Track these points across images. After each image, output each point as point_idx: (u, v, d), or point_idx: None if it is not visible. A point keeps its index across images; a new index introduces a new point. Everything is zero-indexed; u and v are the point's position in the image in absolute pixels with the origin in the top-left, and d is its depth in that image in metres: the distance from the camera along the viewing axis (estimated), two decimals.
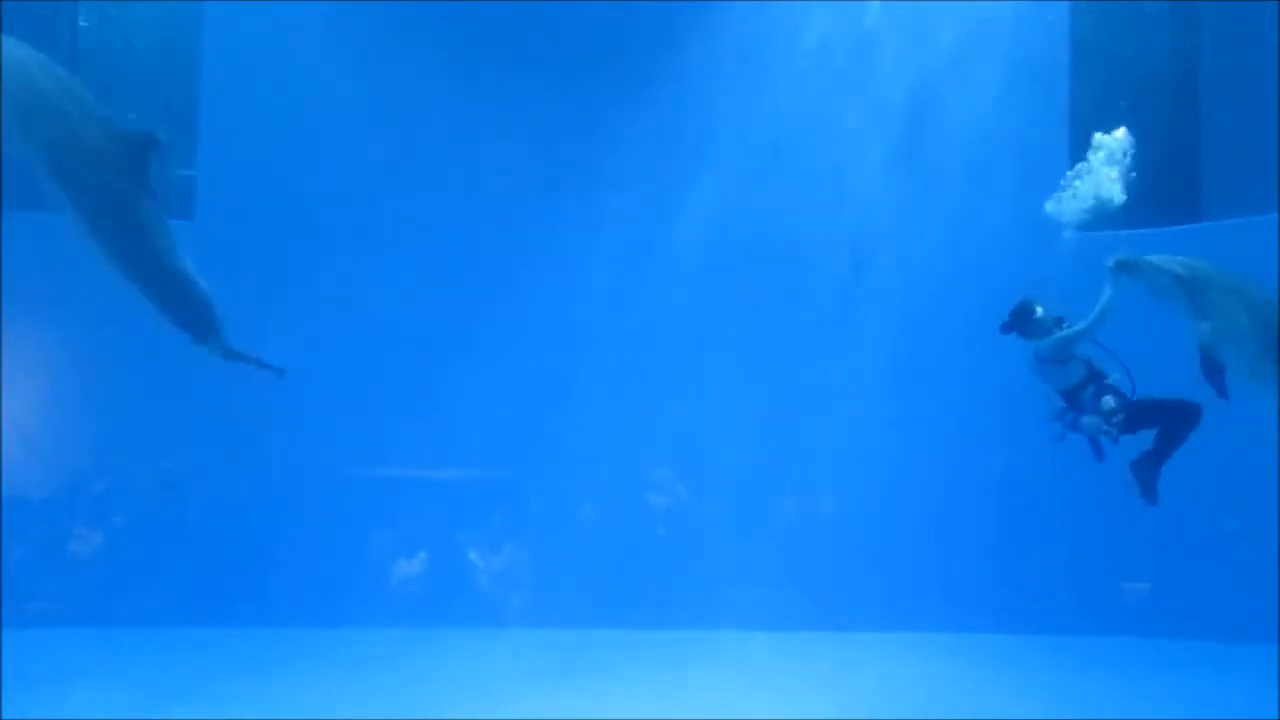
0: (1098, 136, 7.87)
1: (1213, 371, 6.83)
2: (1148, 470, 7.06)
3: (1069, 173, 8.06)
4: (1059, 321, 7.17)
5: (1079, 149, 10.73)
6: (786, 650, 9.35)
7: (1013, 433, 10.44)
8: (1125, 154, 7.67)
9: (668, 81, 10.89)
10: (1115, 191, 7.60)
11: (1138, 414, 6.90)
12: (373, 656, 8.86)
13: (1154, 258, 7.13)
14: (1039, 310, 7.21)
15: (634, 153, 10.72)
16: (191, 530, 10.20)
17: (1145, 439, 7.03)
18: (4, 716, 6.47)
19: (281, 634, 9.54)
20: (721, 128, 10.95)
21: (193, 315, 6.73)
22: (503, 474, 10.72)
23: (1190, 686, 8.20)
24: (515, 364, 10.60)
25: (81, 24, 10.81)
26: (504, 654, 9.16)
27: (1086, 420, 6.88)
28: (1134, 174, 7.88)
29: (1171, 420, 6.93)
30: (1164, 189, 10.76)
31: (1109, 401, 6.75)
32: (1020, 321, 7.26)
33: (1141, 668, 8.96)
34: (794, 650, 9.34)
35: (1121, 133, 7.71)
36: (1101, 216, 7.74)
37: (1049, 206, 7.85)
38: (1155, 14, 11.63)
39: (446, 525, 10.63)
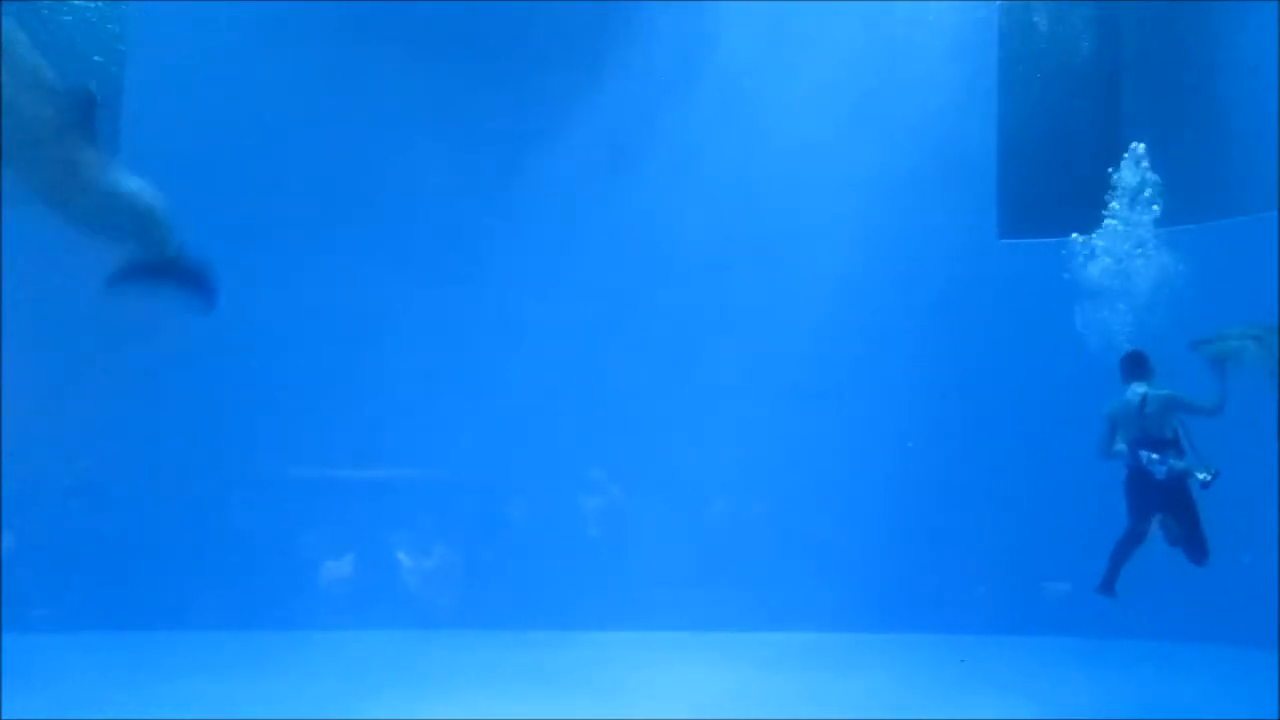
0: None
1: None
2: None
3: None
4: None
5: (1007, 150, 11.05)
6: (721, 650, 9.40)
7: (945, 432, 10.72)
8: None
9: (608, 83, 10.83)
10: None
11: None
12: (299, 659, 8.73)
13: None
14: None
15: (571, 154, 10.67)
16: (112, 534, 9.91)
17: None
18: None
19: (208, 638, 9.34)
20: (659, 131, 10.92)
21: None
22: (434, 474, 10.61)
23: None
24: (447, 363, 10.51)
25: None
26: (433, 656, 9.08)
27: (1177, 464, 7.43)
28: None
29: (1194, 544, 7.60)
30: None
31: (1209, 479, 7.32)
32: (1135, 367, 7.91)
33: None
34: (728, 650, 9.39)
35: None
36: None
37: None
38: (1084, 15, 11.82)
39: (376, 526, 10.50)
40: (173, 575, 9.94)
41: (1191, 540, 7.59)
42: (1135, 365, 8.00)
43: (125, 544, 9.92)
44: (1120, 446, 7.76)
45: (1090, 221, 10.40)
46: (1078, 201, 10.56)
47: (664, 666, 8.78)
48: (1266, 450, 8.76)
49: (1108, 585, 7.93)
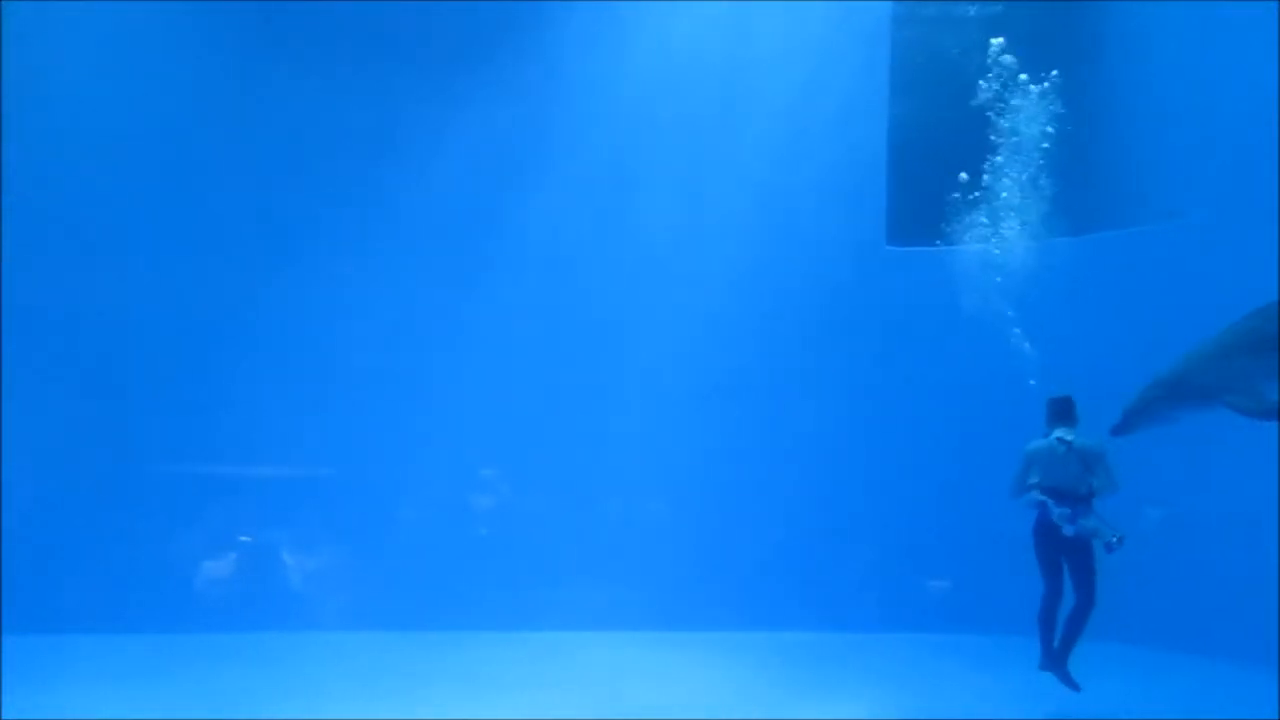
0: None
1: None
2: (1058, 665, 7.62)
3: None
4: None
5: (896, 157, 11.20)
6: (609, 649, 9.49)
7: (832, 434, 10.86)
8: None
9: (500, 83, 10.76)
10: None
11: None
12: (185, 663, 8.59)
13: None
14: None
15: (458, 153, 10.59)
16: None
17: None
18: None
19: (86, 641, 9.17)
20: (551, 132, 10.89)
21: None
22: (322, 472, 10.51)
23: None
24: (336, 361, 10.41)
25: None
26: (320, 658, 9.03)
27: (1086, 523, 7.41)
28: None
29: (1083, 594, 7.55)
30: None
31: (1115, 543, 7.32)
32: (1062, 413, 7.73)
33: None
34: (618, 649, 9.49)
35: None
36: None
37: None
38: (976, 20, 11.93)
39: (261, 524, 10.33)
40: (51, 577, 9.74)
41: (1082, 596, 7.62)
42: (1062, 411, 7.78)
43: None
44: (1037, 495, 7.65)
45: (978, 229, 10.62)
46: (967, 209, 10.72)
47: (550, 666, 8.84)
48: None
49: (1047, 659, 7.67)
